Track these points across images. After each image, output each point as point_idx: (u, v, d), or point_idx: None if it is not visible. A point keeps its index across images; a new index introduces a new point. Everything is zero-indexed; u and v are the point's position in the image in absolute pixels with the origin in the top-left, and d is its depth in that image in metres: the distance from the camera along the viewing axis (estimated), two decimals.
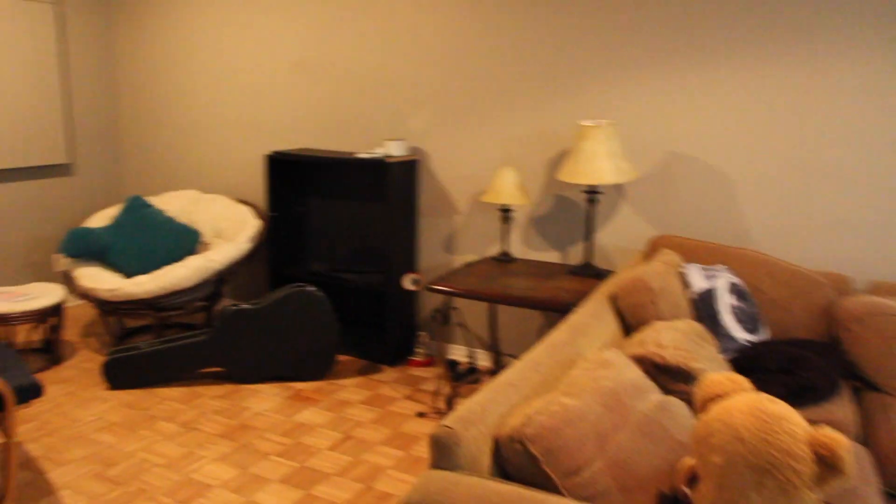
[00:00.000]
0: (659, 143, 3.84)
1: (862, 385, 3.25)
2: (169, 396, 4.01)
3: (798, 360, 2.93)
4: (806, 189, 3.62)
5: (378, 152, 4.37)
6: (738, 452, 1.50)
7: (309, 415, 3.81)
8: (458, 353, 4.60)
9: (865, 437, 2.89)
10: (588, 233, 3.87)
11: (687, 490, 1.65)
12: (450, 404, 3.90)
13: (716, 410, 1.59)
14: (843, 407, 2.88)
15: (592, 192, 3.79)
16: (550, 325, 4.25)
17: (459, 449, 1.70)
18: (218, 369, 4.16)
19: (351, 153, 4.55)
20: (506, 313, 4.37)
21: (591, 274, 3.82)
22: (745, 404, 1.56)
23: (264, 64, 5.00)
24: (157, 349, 4.09)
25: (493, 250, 4.36)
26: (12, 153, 5.09)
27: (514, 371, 2.07)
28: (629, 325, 2.89)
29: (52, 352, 4.48)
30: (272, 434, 3.60)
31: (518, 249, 4.29)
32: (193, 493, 3.08)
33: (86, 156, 5.63)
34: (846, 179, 3.54)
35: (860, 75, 3.43)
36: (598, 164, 3.57)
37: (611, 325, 2.77)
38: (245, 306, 4.13)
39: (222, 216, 4.99)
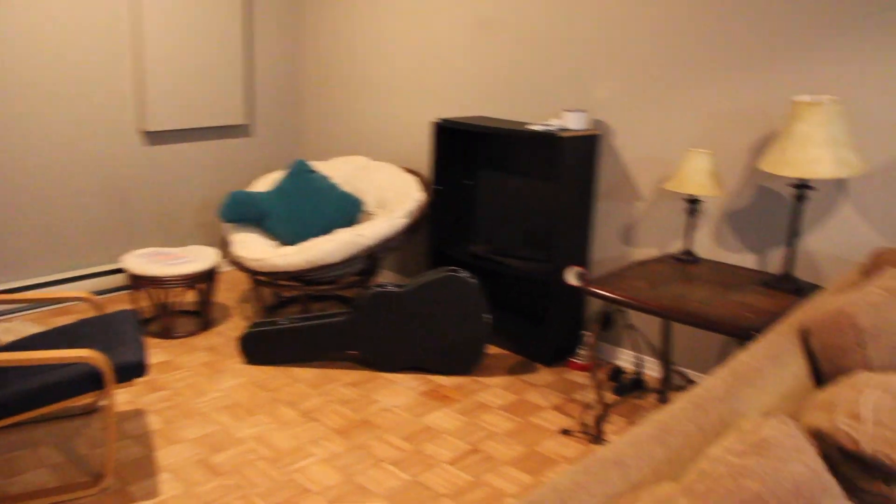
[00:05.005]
0: None
1: None
2: (301, 378, 3.75)
3: None
4: None
5: (554, 124, 3.81)
6: None
7: (439, 417, 3.39)
8: (626, 358, 3.99)
9: None
10: (792, 236, 3.10)
11: None
12: (599, 424, 3.32)
13: None
14: None
15: (802, 187, 3.02)
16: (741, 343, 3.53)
17: None
18: (357, 353, 3.85)
19: (525, 123, 4.02)
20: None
21: (789, 289, 3.06)
22: None
23: (443, 23, 4.57)
24: (295, 327, 3.84)
25: (677, 246, 3.69)
26: (192, 113, 5.04)
27: (629, 441, 1.50)
28: (823, 371, 2.18)
29: (203, 316, 4.38)
30: (393, 436, 3.22)
31: (705, 248, 3.59)
32: (289, 498, 2.77)
33: (264, 118, 5.52)
34: None
35: None
36: (813, 152, 2.81)
37: (795, 371, 2.09)
38: (389, 288, 3.77)
39: (388, 185, 4.66)
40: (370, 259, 4.27)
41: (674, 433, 1.57)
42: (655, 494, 1.33)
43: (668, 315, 2.82)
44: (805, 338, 2.22)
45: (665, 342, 3.63)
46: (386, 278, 5.30)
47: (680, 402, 1.69)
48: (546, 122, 3.86)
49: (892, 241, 3.07)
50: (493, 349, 4.16)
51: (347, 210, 4.59)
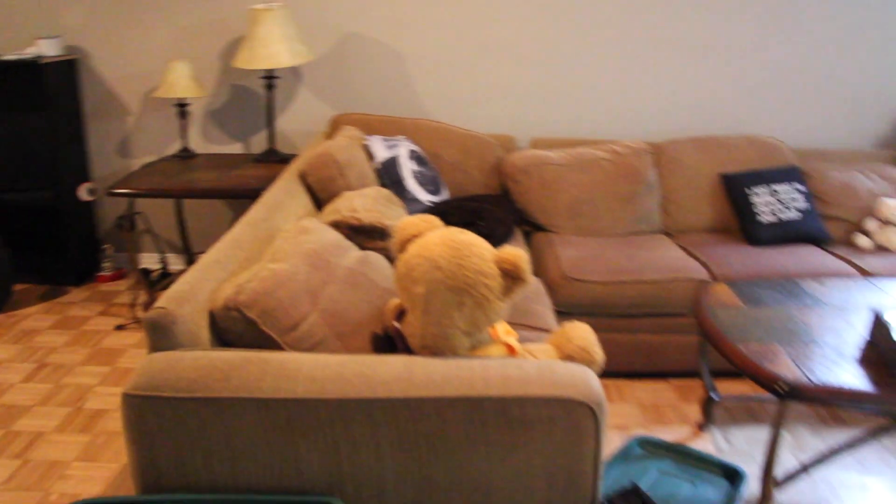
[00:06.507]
0: (332, 23, 3.89)
1: (531, 227, 3.67)
2: None
3: (478, 213, 3.23)
4: (472, 61, 3.92)
5: (29, 53, 3.92)
6: (437, 279, 1.67)
7: None
8: (149, 261, 4.42)
9: (537, 270, 3.30)
10: (269, 119, 3.85)
11: (397, 324, 1.80)
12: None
13: (414, 248, 1.74)
14: (517, 248, 3.25)
15: (270, 78, 3.75)
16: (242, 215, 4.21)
17: (176, 327, 1.69)
18: None
19: None
20: (194, 213, 4.25)
21: (275, 160, 3.83)
22: (438, 238, 1.72)
23: None
24: None
25: (173, 148, 4.18)
26: None
27: (217, 251, 2.07)
28: (320, 199, 2.97)
29: None
30: None
31: (199, 145, 4.16)
32: None
33: None
34: (507, 51, 3.88)
35: None
36: (273, 47, 3.54)
37: (303, 200, 2.84)
38: None
39: None
40: None
41: (243, 242, 2.18)
42: (251, 270, 1.94)
43: (190, 195, 3.37)
44: (303, 178, 2.98)
45: (182, 235, 4.16)
46: None
47: (238, 226, 2.29)
48: (20, 52, 3.96)
49: (341, 110, 4.01)
50: (18, 286, 4.23)
51: None
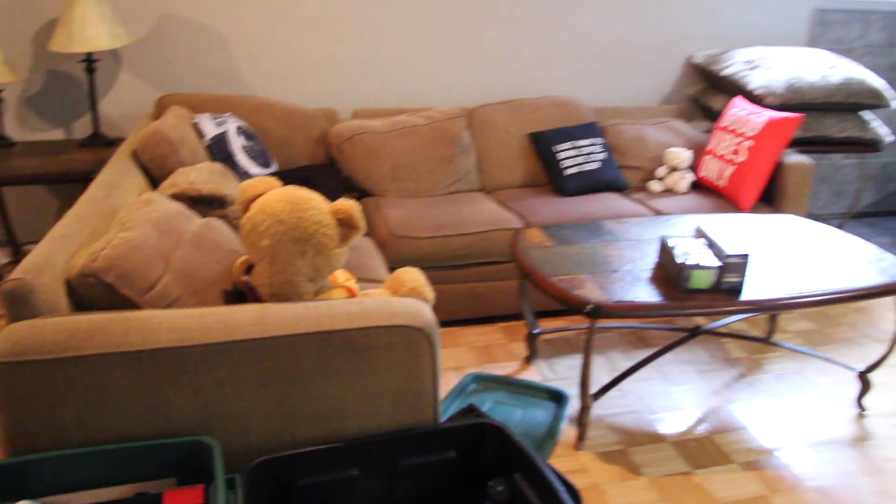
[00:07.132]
0: (149, 5, 3.90)
1: (358, 193, 3.89)
2: None
3: (308, 182, 3.41)
4: (291, 38, 4.07)
5: None
6: (280, 232, 1.86)
7: None
8: None
9: (368, 231, 3.53)
10: (92, 104, 3.83)
11: (246, 277, 1.97)
12: None
13: (257, 206, 1.92)
14: (350, 200, 3.47)
15: (90, 61, 3.73)
16: (70, 203, 4.16)
17: (35, 296, 1.78)
18: None
19: None
20: (16, 202, 4.15)
21: (102, 144, 3.83)
22: (279, 195, 1.91)
23: None
24: None
25: None
26: None
27: (63, 226, 2.15)
28: (155, 177, 3.05)
29: None
30: None
31: (16, 132, 4.05)
32: None
33: None
34: (324, 27, 4.06)
35: None
36: (91, 30, 3.53)
37: (138, 178, 2.91)
38: None
39: None
40: None
41: (87, 218, 2.26)
42: (103, 239, 2.04)
43: (16, 182, 3.35)
44: (136, 158, 3.05)
45: (5, 225, 4.07)
46: None
47: (79, 204, 2.37)
48: None
49: (166, 91, 4.05)
50: None
51: None
